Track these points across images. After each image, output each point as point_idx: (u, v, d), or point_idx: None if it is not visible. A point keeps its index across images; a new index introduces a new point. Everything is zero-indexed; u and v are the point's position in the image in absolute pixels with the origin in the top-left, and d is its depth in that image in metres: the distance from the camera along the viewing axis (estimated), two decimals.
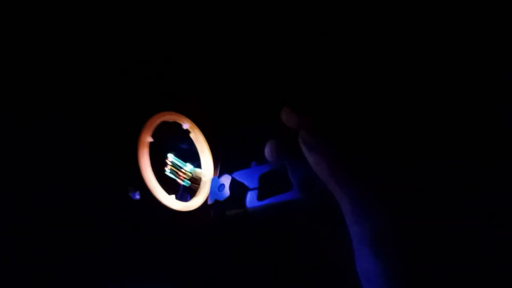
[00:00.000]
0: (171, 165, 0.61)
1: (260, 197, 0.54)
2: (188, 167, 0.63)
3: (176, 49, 0.63)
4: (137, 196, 0.60)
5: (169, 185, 0.62)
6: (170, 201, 0.61)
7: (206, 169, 0.64)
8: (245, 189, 0.55)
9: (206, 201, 0.62)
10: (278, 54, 0.64)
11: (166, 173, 0.61)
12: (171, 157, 0.62)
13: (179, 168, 0.62)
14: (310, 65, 0.64)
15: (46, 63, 0.60)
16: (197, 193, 0.63)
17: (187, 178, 0.63)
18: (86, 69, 0.61)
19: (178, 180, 0.62)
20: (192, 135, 0.65)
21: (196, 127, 0.65)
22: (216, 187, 0.58)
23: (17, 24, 0.59)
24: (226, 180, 0.58)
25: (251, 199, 0.54)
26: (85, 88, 0.61)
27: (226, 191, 0.57)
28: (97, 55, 0.61)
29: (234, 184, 0.57)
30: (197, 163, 0.65)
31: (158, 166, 0.61)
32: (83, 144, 0.61)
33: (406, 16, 0.62)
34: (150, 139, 0.61)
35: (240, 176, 0.57)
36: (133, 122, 0.61)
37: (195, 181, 0.63)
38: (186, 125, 0.64)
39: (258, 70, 0.64)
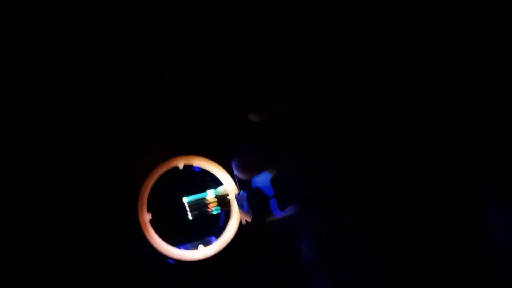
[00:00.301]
0: (190, 207, 0.57)
1: (280, 205, 0.52)
2: (210, 194, 0.58)
3: (176, 49, 0.63)
4: (172, 261, 0.58)
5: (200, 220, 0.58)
6: (203, 252, 0.58)
7: (228, 185, 0.59)
8: (264, 198, 0.53)
9: (239, 224, 0.59)
10: (278, 54, 0.64)
11: (189, 218, 0.57)
12: (186, 201, 0.57)
13: (200, 201, 0.57)
14: (310, 65, 0.64)
15: (46, 63, 0.60)
16: (230, 217, 0.59)
17: (215, 205, 0.58)
18: (86, 69, 0.61)
19: (208, 212, 0.58)
20: (195, 164, 0.60)
21: (192, 156, 0.60)
22: (241, 206, 0.56)
23: (17, 24, 0.59)
24: (243, 197, 0.55)
25: (275, 209, 0.53)
26: (85, 88, 0.61)
27: (248, 210, 0.54)
28: (96, 55, 0.61)
29: (251, 197, 0.54)
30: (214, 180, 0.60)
31: (174, 219, 0.58)
32: (83, 145, 0.61)
33: (406, 16, 0.62)
34: (149, 217, 0.58)
35: (256, 184, 0.55)
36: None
37: (224, 202, 0.58)
38: (181, 163, 0.60)
39: (258, 70, 0.64)
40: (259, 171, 0.54)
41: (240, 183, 0.58)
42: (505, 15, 0.58)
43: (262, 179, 0.55)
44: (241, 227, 0.59)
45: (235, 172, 0.55)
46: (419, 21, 0.62)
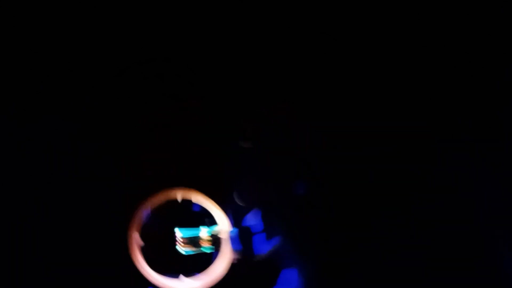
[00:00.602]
0: (182, 242, 0.56)
1: (268, 237, 0.54)
2: (203, 231, 0.57)
3: (176, 49, 0.63)
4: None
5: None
6: (188, 284, 0.58)
7: (222, 225, 0.59)
8: (250, 235, 0.55)
9: (230, 262, 0.59)
10: (278, 54, 0.64)
11: (179, 250, 0.56)
12: (178, 233, 0.56)
13: (194, 238, 0.57)
14: (310, 65, 0.64)
15: (46, 63, 0.60)
16: (219, 255, 0.59)
17: (209, 243, 0.57)
18: (86, 69, 0.61)
19: (199, 250, 0.57)
20: (193, 200, 0.60)
21: (191, 190, 0.60)
22: (233, 244, 0.57)
23: (17, 24, 0.59)
24: (234, 234, 0.57)
25: (261, 244, 0.55)
26: (85, 88, 0.61)
27: (239, 245, 0.56)
28: (97, 55, 0.61)
29: (242, 233, 0.56)
30: (210, 219, 0.60)
31: (166, 249, 0.57)
32: (83, 144, 0.61)
33: (406, 17, 0.62)
34: (140, 243, 0.57)
35: (246, 222, 0.57)
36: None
37: (217, 242, 0.58)
38: (179, 196, 0.60)
39: (258, 70, 0.64)
40: (259, 199, 0.54)
41: (233, 220, 0.59)
42: (505, 15, 0.58)
43: (252, 216, 0.56)
44: (231, 267, 0.58)
45: (237, 200, 0.55)
46: (419, 21, 0.62)
